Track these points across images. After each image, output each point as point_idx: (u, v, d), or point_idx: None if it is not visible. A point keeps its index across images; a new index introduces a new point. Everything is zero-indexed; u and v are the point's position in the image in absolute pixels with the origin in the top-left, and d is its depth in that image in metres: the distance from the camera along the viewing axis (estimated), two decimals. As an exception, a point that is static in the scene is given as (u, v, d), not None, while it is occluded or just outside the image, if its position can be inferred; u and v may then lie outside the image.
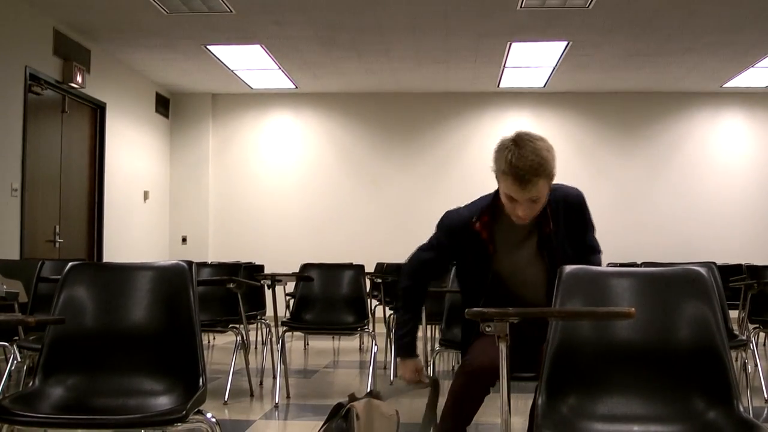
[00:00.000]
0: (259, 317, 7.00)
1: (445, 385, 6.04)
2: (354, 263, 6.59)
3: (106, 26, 8.82)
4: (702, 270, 2.64)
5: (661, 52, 9.81)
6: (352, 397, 3.82)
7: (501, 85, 11.59)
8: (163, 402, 2.66)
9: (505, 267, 3.12)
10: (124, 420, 2.61)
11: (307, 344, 8.90)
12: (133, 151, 10.89)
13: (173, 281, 2.91)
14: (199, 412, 2.54)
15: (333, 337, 9.13)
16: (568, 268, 2.73)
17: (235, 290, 5.51)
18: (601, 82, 11.37)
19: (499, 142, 2.94)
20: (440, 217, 3.26)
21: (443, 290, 5.02)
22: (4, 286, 4.23)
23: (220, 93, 12.35)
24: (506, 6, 8.10)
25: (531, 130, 2.99)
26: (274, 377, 5.90)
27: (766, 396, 5.16)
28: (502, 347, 2.13)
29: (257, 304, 7.05)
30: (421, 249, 3.29)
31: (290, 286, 8.02)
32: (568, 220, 3.12)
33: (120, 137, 10.38)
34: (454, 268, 4.62)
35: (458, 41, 9.39)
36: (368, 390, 4.04)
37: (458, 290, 4.68)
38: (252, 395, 5.70)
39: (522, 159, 2.82)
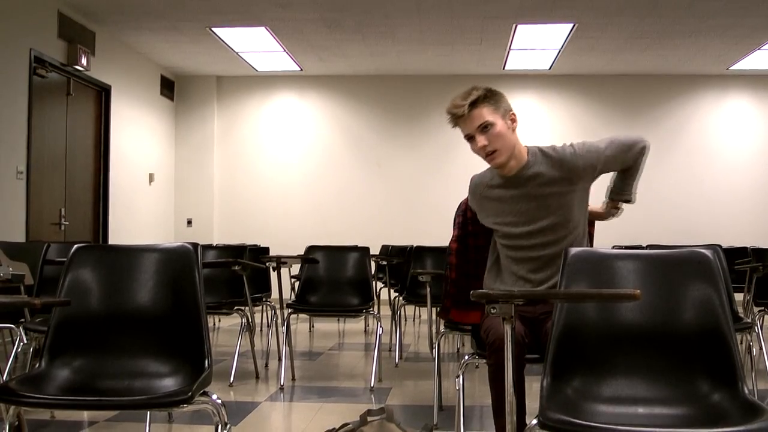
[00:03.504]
0: (264, 299, 7.01)
1: (450, 367, 6.07)
2: (359, 245, 6.60)
3: (110, 8, 8.80)
4: (707, 252, 2.63)
5: (667, 35, 9.77)
6: (364, 419, 3.83)
7: (506, 68, 11.55)
8: (169, 384, 2.66)
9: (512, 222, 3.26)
10: (130, 402, 2.62)
11: (312, 326, 8.92)
12: (138, 134, 10.89)
13: (178, 263, 2.91)
14: (205, 394, 2.54)
15: (338, 320, 9.15)
16: (573, 250, 2.73)
17: (240, 272, 5.52)
18: (607, 64, 11.33)
19: None
20: None
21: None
22: (10, 269, 4.23)
23: (225, 75, 12.33)
24: (512, -13, 8.07)
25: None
26: (280, 359, 5.92)
27: (770, 378, 5.17)
28: (508, 329, 2.13)
29: (262, 286, 7.06)
30: None
31: (295, 269, 8.05)
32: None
33: (125, 120, 10.38)
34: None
35: (463, 23, 9.36)
36: (378, 407, 4.05)
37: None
38: (257, 377, 5.72)
39: (451, 102, 3.17)
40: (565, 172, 3.16)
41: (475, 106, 3.11)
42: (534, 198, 3.18)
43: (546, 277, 3.16)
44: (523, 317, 2.99)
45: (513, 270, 3.22)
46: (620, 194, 3.35)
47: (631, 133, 3.28)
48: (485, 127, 3.12)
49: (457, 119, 3.17)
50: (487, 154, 3.17)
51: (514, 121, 3.18)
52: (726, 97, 12.04)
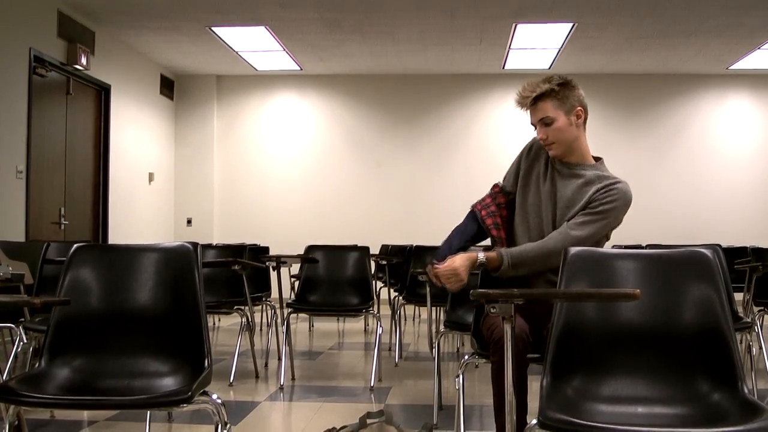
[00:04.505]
0: (264, 299, 7.01)
1: (450, 367, 6.07)
2: (359, 245, 6.60)
3: (110, 8, 8.80)
4: (707, 252, 2.63)
5: (667, 34, 9.76)
6: (363, 422, 3.83)
7: (506, 67, 11.55)
8: (169, 383, 2.66)
9: (523, 206, 3.29)
10: (130, 401, 2.62)
11: (312, 326, 8.92)
12: (137, 133, 10.89)
13: (178, 263, 2.91)
14: (205, 394, 2.54)
15: (338, 319, 9.14)
16: (573, 249, 2.73)
17: (240, 272, 5.52)
18: (607, 64, 11.33)
19: None
20: None
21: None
22: (10, 268, 4.23)
23: (224, 75, 12.33)
24: (512, -13, 8.07)
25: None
26: (279, 359, 5.92)
27: (770, 378, 5.17)
28: (508, 328, 2.13)
29: (262, 285, 7.06)
30: None
31: (295, 268, 8.04)
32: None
33: (125, 119, 10.37)
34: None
35: (463, 23, 9.35)
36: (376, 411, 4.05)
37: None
38: (257, 377, 5.72)
39: (522, 87, 3.24)
40: (589, 193, 3.16)
41: (540, 100, 3.18)
42: (564, 191, 3.19)
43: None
44: (525, 315, 2.99)
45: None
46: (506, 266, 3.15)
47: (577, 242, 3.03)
48: (546, 122, 3.18)
49: (517, 104, 3.28)
50: (546, 144, 3.23)
51: (579, 117, 3.19)
52: (726, 97, 12.04)
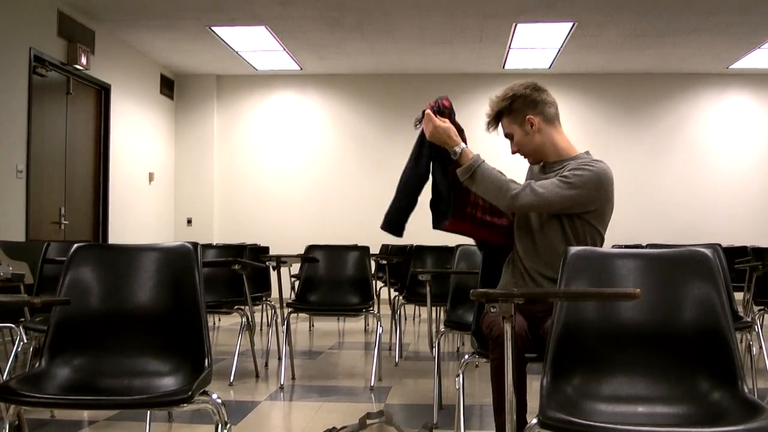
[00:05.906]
0: (264, 299, 7.01)
1: (450, 366, 6.07)
2: (359, 244, 6.60)
3: (110, 7, 8.80)
4: (707, 251, 2.63)
5: (667, 33, 9.76)
6: (363, 422, 3.84)
7: (506, 67, 11.54)
8: (169, 383, 2.66)
9: None
10: (130, 401, 2.62)
11: (312, 326, 8.92)
12: (137, 133, 10.89)
13: (178, 263, 2.91)
14: (205, 393, 2.54)
15: (338, 319, 9.14)
16: (573, 249, 2.74)
17: (240, 272, 5.52)
18: (607, 63, 11.32)
19: None
20: None
21: (448, 271, 5.01)
22: (10, 268, 4.23)
23: (224, 74, 12.33)
24: (512, -14, 8.06)
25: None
26: (280, 358, 5.92)
27: (770, 377, 5.16)
28: (508, 328, 2.13)
29: (262, 285, 7.06)
30: None
31: (295, 268, 8.04)
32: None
33: (125, 119, 10.37)
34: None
35: (463, 22, 9.35)
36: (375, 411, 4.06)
37: (463, 272, 4.71)
38: (257, 376, 5.72)
39: (490, 102, 3.45)
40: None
41: (498, 119, 3.40)
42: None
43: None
44: (523, 314, 2.99)
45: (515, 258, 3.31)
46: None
47: (536, 197, 3.12)
48: (509, 137, 3.39)
49: (489, 132, 3.49)
50: (520, 154, 3.41)
51: (533, 125, 3.30)
52: (725, 96, 12.03)
